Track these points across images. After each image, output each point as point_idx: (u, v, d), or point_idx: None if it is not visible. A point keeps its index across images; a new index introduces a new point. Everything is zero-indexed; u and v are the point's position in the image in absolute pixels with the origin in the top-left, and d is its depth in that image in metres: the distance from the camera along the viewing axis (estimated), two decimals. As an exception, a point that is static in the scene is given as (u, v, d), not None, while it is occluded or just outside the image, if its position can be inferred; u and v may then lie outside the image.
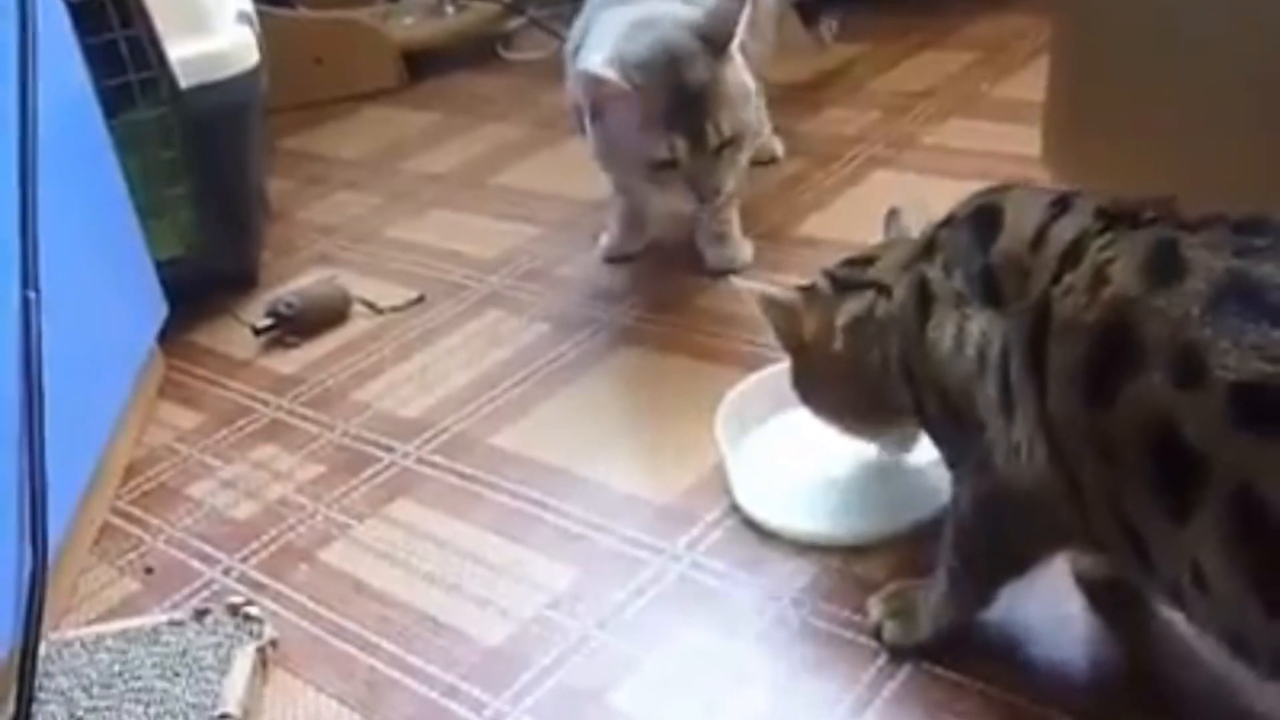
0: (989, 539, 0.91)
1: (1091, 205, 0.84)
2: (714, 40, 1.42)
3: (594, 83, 1.43)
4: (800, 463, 1.19)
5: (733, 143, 1.45)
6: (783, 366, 1.15)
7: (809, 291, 1.06)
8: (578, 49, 1.54)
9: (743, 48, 1.53)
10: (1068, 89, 1.40)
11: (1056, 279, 0.80)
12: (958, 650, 0.97)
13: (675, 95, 1.41)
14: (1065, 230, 0.83)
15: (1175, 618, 0.89)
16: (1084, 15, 1.37)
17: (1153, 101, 1.27)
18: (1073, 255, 0.80)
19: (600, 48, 1.46)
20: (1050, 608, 1.00)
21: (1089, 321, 0.76)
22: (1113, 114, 1.30)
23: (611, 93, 1.42)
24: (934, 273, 0.92)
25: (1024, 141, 1.54)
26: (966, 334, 0.87)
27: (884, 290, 0.99)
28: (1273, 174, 1.17)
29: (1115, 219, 0.81)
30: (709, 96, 1.41)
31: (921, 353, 0.92)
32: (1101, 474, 0.78)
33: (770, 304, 1.07)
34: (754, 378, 1.28)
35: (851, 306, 1.02)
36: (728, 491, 1.19)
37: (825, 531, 1.12)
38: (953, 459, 0.95)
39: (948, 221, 0.94)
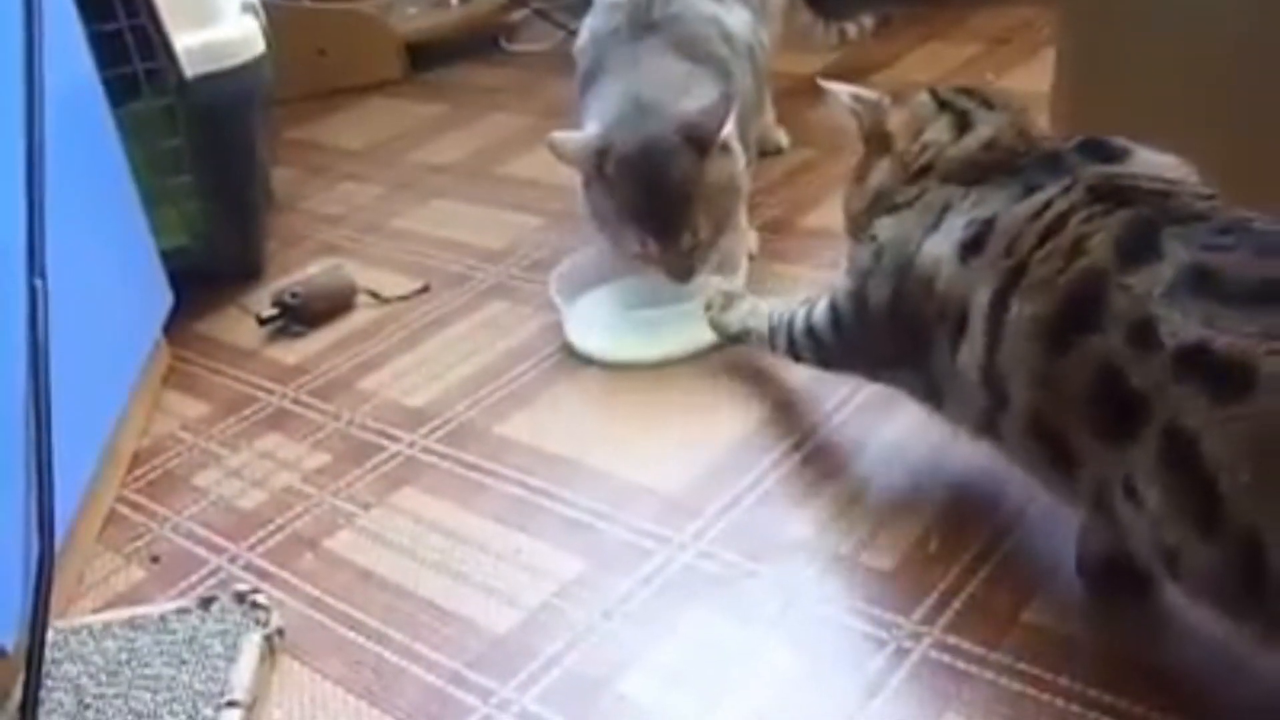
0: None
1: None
2: (698, 140, 1.38)
3: (583, 161, 1.42)
4: (619, 314, 1.53)
5: (711, 242, 1.43)
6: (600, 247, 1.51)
7: (897, 96, 1.18)
8: (587, 83, 1.53)
9: (750, 51, 1.53)
10: (1073, 81, 1.40)
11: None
12: (963, 640, 0.98)
13: (652, 197, 1.39)
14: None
15: (1179, 603, 0.90)
16: (1089, 7, 1.37)
17: (1159, 93, 1.26)
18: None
19: (601, 116, 1.45)
20: (1052, 596, 1.01)
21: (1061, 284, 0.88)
22: (1118, 106, 1.30)
23: (596, 177, 1.42)
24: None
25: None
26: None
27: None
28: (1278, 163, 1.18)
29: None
30: (688, 198, 1.38)
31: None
32: (1039, 399, 0.90)
33: (858, 99, 1.19)
34: (581, 253, 1.57)
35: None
36: (565, 339, 1.49)
37: (637, 356, 1.43)
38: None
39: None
